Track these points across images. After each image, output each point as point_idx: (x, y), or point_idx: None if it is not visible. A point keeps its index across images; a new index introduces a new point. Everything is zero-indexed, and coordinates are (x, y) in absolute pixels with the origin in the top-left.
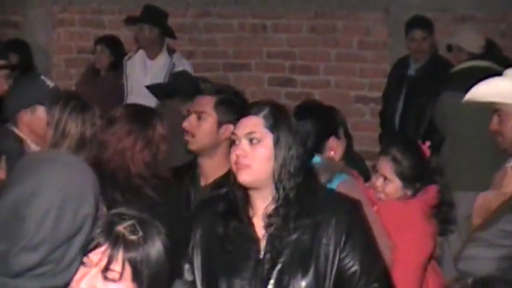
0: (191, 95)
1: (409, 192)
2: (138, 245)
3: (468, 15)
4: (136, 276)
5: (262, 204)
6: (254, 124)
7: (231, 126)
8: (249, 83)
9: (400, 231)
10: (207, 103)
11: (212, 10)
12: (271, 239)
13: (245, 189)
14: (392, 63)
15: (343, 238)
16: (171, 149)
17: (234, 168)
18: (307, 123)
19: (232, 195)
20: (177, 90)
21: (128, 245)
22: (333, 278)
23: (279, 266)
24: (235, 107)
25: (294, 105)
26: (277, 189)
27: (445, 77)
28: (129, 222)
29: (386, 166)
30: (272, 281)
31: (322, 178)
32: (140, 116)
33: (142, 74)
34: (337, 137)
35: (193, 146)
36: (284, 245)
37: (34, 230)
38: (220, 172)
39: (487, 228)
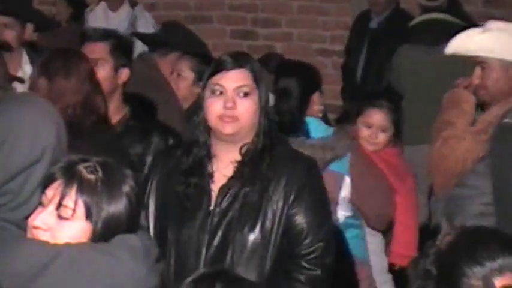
0: (183, 50)
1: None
2: (95, 185)
3: None
4: (89, 215)
5: (227, 157)
6: (243, 77)
7: (127, 70)
8: (211, 36)
9: (400, 178)
10: (101, 49)
11: None
12: (223, 192)
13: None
14: (355, 16)
15: (292, 196)
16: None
17: (215, 119)
18: (291, 81)
19: (198, 150)
20: (168, 42)
21: (83, 183)
22: (279, 234)
23: (227, 219)
24: (128, 50)
25: (255, 58)
26: (254, 143)
27: (404, 30)
28: (90, 163)
29: (382, 117)
30: (219, 234)
31: (330, 154)
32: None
33: (104, 26)
34: (321, 92)
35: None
36: (234, 198)
37: None
38: (118, 116)
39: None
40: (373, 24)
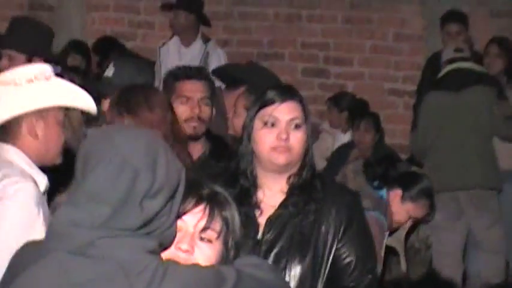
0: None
1: None
2: (228, 204)
3: (504, 10)
4: (226, 236)
5: (274, 187)
6: (295, 109)
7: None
8: (283, 73)
9: None
10: (201, 88)
11: None
12: (271, 221)
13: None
14: (428, 56)
15: (342, 228)
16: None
17: (267, 150)
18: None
19: (244, 180)
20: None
21: (223, 204)
22: (328, 266)
23: (276, 249)
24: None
25: (327, 96)
26: (300, 173)
27: (433, 79)
28: (210, 185)
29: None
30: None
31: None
32: None
33: (176, 61)
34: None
35: (200, 130)
36: (283, 229)
37: (151, 178)
38: (198, 152)
39: None
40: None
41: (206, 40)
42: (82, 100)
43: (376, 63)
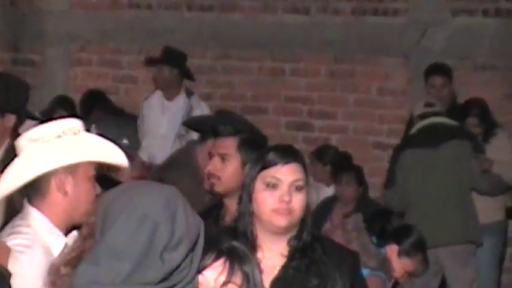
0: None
1: None
2: (247, 259)
3: (488, 64)
4: None
5: (274, 249)
6: (298, 171)
7: None
8: (266, 127)
9: None
10: (230, 145)
11: (231, 52)
12: (275, 284)
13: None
14: (412, 109)
15: (348, 286)
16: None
17: (268, 212)
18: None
19: (245, 238)
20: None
21: (242, 258)
22: None
23: None
24: (257, 145)
25: (310, 149)
26: (300, 236)
27: (406, 137)
28: (228, 240)
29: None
30: None
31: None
32: None
33: (160, 115)
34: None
35: (219, 188)
36: None
37: (171, 230)
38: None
39: None
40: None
41: (189, 94)
42: (112, 154)
43: (360, 117)
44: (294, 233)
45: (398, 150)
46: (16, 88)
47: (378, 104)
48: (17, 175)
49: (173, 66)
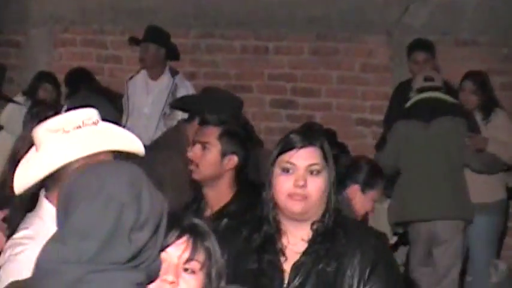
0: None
1: None
2: (208, 235)
3: (470, 39)
4: (209, 267)
5: (298, 234)
6: (314, 156)
7: (235, 157)
8: (251, 105)
9: None
10: (211, 133)
11: (214, 31)
12: (296, 268)
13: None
14: (394, 86)
15: (367, 271)
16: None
17: (284, 198)
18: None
19: (267, 226)
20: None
21: (204, 235)
22: None
23: None
24: (239, 138)
25: (295, 127)
26: (322, 220)
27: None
28: (189, 217)
29: None
30: None
31: None
32: None
33: (144, 95)
34: (362, 191)
35: (197, 175)
36: (308, 274)
37: (137, 210)
38: (224, 201)
39: None
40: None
41: (174, 73)
42: (131, 143)
43: (344, 94)
44: (316, 217)
45: (390, 122)
46: None
47: (361, 81)
48: (39, 167)
49: (159, 45)
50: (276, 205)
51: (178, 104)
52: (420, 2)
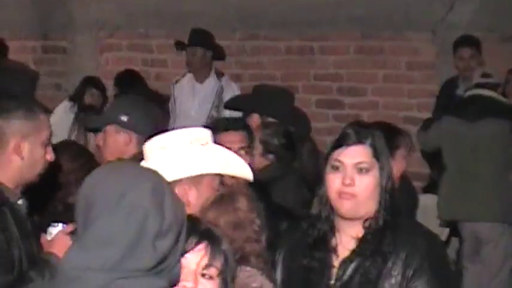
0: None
1: None
2: (223, 239)
3: None
4: (225, 271)
5: (350, 232)
6: (363, 153)
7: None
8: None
9: None
10: (235, 140)
11: (259, 33)
12: (345, 265)
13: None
14: (441, 83)
15: (412, 271)
16: None
17: (334, 195)
18: None
19: (321, 224)
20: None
21: (220, 239)
22: None
23: None
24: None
25: (341, 127)
26: (375, 218)
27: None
28: (205, 223)
29: None
30: None
31: None
32: None
33: (191, 98)
34: (391, 157)
35: None
36: (354, 273)
37: (161, 217)
38: None
39: None
40: (460, 91)
41: (220, 75)
42: (237, 167)
43: (390, 92)
44: (368, 215)
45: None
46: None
47: (406, 79)
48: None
49: (206, 48)
50: (328, 202)
51: (231, 104)
52: None
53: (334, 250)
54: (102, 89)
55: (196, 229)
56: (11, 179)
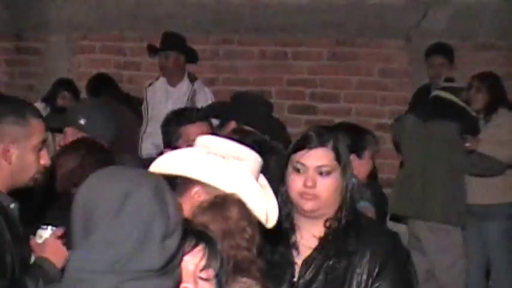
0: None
1: None
2: (216, 239)
3: (489, 43)
4: (220, 273)
5: (311, 231)
6: (325, 156)
7: None
8: None
9: None
10: (207, 129)
11: (233, 37)
12: (307, 263)
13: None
14: (414, 91)
15: (376, 270)
16: None
17: (295, 196)
18: None
19: (284, 219)
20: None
21: (214, 240)
22: None
23: None
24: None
25: None
26: (335, 218)
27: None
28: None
29: None
30: None
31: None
32: None
33: (164, 101)
34: (359, 157)
35: None
36: (318, 271)
37: (167, 217)
38: None
39: None
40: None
41: (193, 79)
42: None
43: (363, 99)
44: (329, 215)
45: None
46: None
47: (380, 86)
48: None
49: (178, 51)
50: (289, 200)
51: (209, 110)
52: (439, 6)
53: (295, 247)
54: (74, 90)
55: (193, 231)
56: (2, 183)
